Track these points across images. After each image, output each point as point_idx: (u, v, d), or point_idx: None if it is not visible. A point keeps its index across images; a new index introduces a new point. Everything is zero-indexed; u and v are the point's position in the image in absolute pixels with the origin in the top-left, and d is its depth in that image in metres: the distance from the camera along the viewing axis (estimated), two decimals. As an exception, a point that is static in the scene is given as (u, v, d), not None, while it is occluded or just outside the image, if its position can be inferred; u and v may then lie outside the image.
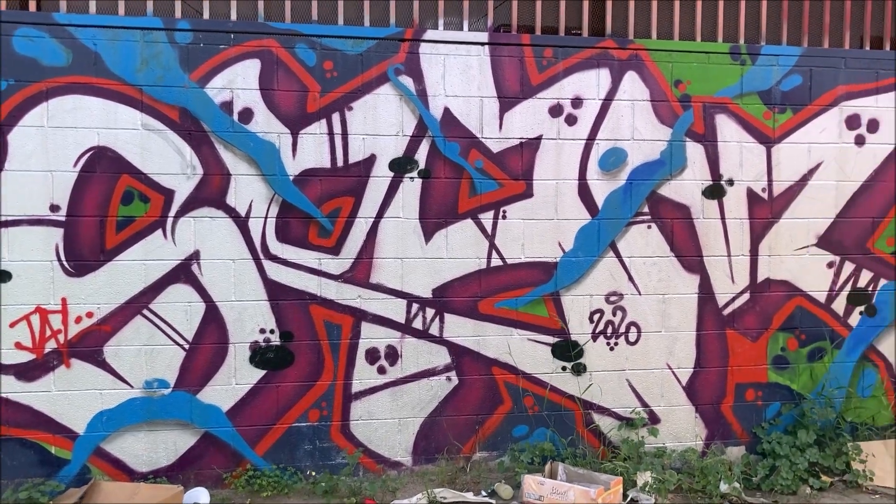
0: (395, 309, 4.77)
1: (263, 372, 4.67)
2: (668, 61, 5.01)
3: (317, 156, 4.65)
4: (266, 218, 4.62)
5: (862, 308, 5.30)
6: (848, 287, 5.27)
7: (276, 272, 4.64)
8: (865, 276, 5.29)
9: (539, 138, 4.90)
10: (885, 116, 5.25)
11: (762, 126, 5.12)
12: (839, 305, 5.27)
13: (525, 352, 4.94)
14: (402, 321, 4.78)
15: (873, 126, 5.24)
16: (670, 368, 5.11)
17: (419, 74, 4.74)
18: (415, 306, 4.79)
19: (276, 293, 4.65)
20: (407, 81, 4.72)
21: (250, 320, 4.63)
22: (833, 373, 5.25)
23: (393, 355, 4.78)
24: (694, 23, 5.12)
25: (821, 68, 5.17)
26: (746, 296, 5.16)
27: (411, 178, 4.76)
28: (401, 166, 4.74)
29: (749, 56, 5.09)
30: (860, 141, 5.23)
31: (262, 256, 4.62)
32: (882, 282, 5.31)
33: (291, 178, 4.63)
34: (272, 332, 4.66)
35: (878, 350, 5.32)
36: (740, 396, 5.18)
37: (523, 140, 4.88)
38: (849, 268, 5.27)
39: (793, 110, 5.16)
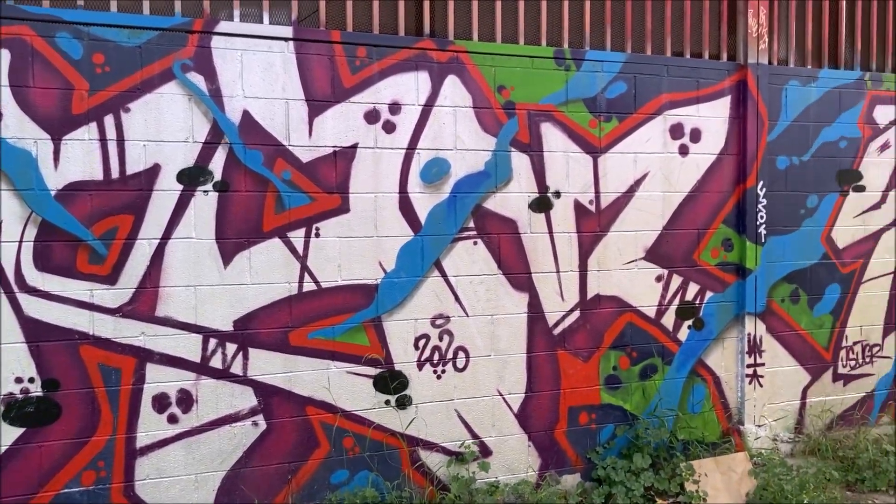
0: (188, 346, 4.07)
1: (22, 430, 3.81)
2: (491, 65, 4.66)
3: (86, 166, 3.88)
4: (21, 242, 3.79)
5: (690, 322, 5.19)
6: (676, 301, 5.15)
7: (35, 308, 3.81)
8: (693, 289, 5.19)
9: (354, 147, 4.38)
10: (707, 126, 5.18)
11: (588, 135, 4.89)
12: (668, 320, 5.14)
13: (344, 386, 4.39)
14: (198, 360, 4.09)
15: (696, 135, 5.15)
16: (501, 395, 4.74)
17: (212, 72, 4.08)
18: (212, 342, 4.12)
19: (37, 333, 3.82)
20: (197, 79, 4.06)
21: (3, 368, 3.77)
22: (664, 390, 5.10)
23: (187, 401, 4.08)
24: (517, 25, 4.80)
25: (645, 76, 5.02)
26: (577, 313, 4.90)
27: (205, 191, 4.09)
28: (192, 178, 4.06)
29: (573, 61, 4.85)
30: (684, 151, 5.13)
31: (16, 289, 3.78)
32: (708, 294, 5.23)
33: (53, 193, 3.82)
34: (32, 380, 3.82)
35: (706, 364, 5.23)
36: (574, 420, 4.90)
37: (337, 148, 4.35)
38: (677, 281, 5.14)
39: (618, 119, 4.97)
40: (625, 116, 4.98)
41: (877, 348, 5.72)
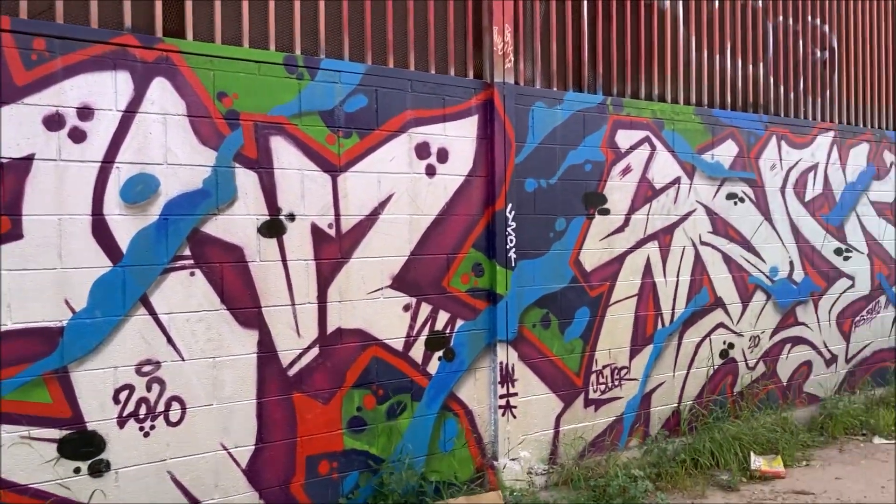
0: None
1: None
2: (209, 69, 4.05)
3: None
4: None
5: (441, 353, 4.85)
6: (426, 331, 4.79)
7: None
8: (443, 318, 4.85)
9: (30, 158, 3.58)
10: (455, 146, 4.90)
11: (326, 152, 4.42)
12: (418, 352, 4.76)
13: (17, 455, 3.52)
14: None
15: (443, 156, 4.85)
16: (226, 449, 4.09)
17: None
18: None
19: None
20: None
21: None
22: (414, 429, 4.70)
23: None
24: (240, 25, 4.23)
25: (387, 90, 4.64)
26: (315, 350, 4.38)
27: None
28: None
29: (307, 70, 4.36)
30: (431, 171, 4.81)
31: None
32: (459, 322, 4.92)
33: None
34: None
35: (458, 398, 4.91)
36: (313, 471, 4.35)
37: (5, 160, 3.52)
38: (426, 310, 4.79)
39: (359, 135, 4.54)
40: (367, 133, 4.57)
41: (625, 370, 5.72)
